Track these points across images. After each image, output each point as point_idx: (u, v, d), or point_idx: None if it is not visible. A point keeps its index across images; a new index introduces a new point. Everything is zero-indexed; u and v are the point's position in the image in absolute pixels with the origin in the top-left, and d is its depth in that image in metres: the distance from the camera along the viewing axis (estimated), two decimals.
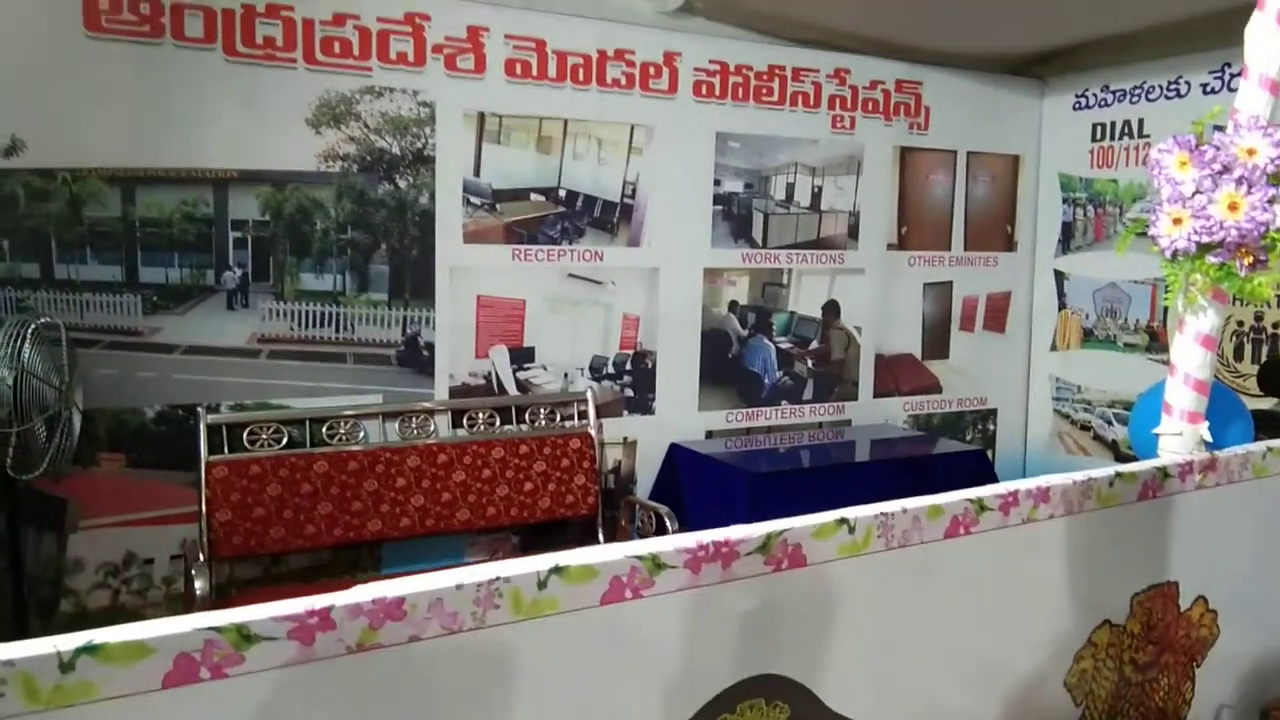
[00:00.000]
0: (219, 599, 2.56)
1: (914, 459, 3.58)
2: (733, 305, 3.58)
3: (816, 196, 3.70)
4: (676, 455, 3.38)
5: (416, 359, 3.02)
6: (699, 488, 3.26)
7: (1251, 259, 1.44)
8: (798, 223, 3.68)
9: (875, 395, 3.93)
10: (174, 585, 2.72)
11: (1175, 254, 1.48)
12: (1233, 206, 1.41)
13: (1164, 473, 1.44)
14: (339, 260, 2.90)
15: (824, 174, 3.69)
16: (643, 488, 3.40)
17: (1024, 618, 1.37)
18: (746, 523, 1.13)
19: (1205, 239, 1.43)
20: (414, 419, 2.96)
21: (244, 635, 0.84)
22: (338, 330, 2.91)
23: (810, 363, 3.78)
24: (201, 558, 2.57)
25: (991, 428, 4.24)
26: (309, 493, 2.71)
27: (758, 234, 3.60)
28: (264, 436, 2.74)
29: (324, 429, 2.83)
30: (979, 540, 1.28)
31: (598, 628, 1.00)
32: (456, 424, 3.04)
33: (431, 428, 2.99)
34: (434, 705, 0.94)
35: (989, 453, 4.13)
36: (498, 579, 0.94)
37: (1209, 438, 1.51)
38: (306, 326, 2.87)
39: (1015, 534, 1.31)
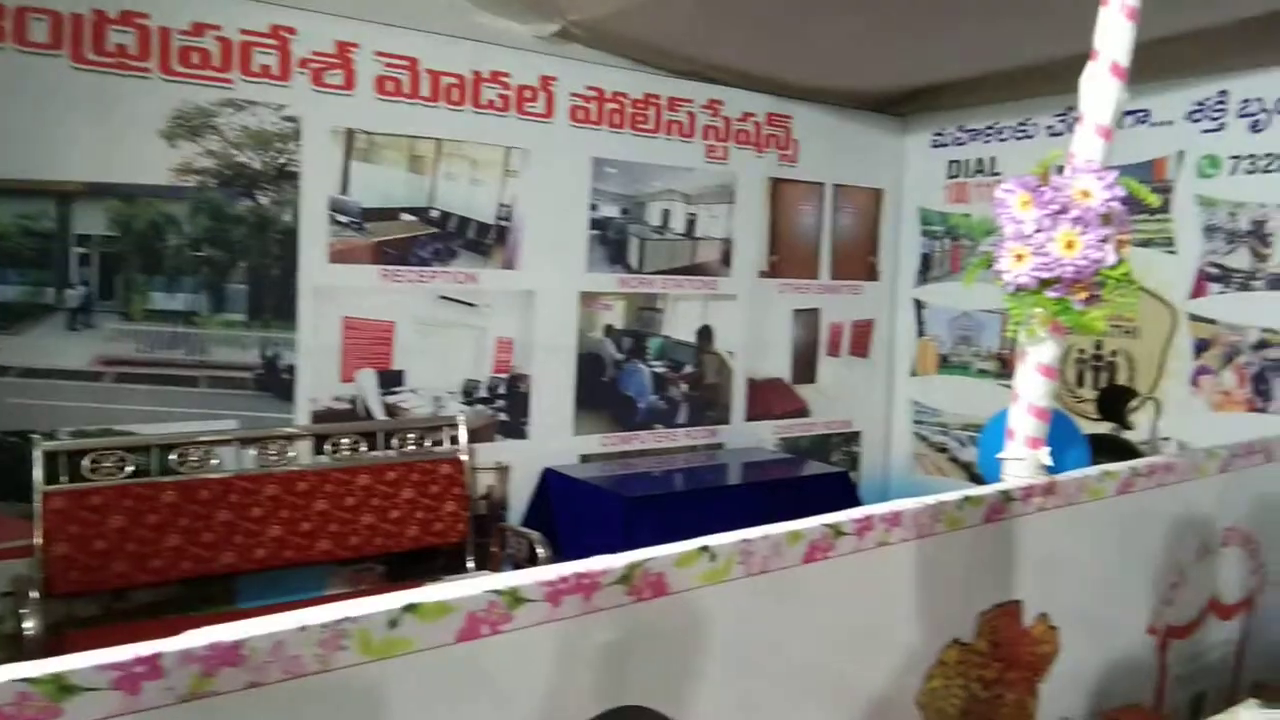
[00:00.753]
0: (53, 638, 2.39)
1: (783, 481, 3.66)
2: (608, 329, 3.59)
3: (691, 224, 3.76)
4: (550, 480, 3.35)
5: (276, 382, 2.90)
6: (573, 513, 3.24)
7: (1087, 294, 1.53)
8: (673, 249, 3.73)
9: (747, 419, 4.01)
10: (3, 625, 2.51)
11: (1018, 288, 1.56)
12: (1069, 245, 1.50)
13: (1007, 496, 1.51)
14: (193, 279, 2.76)
15: (699, 202, 3.76)
16: (515, 514, 3.36)
17: (879, 638, 1.41)
18: (621, 547, 1.13)
19: (1044, 275, 1.52)
20: (272, 445, 2.83)
21: (62, 687, 0.78)
22: (190, 352, 2.77)
23: (684, 387, 3.82)
24: (34, 595, 2.38)
25: (856, 449, 4.39)
26: (155, 524, 2.56)
27: (633, 259, 3.62)
28: (107, 465, 2.57)
29: (173, 456, 2.68)
30: (836, 564, 1.31)
31: (454, 666, 0.97)
32: (319, 450, 2.93)
33: (292, 454, 2.87)
34: None
35: (853, 474, 4.26)
36: (344, 619, 0.90)
37: (1049, 462, 1.60)
38: (156, 348, 2.72)
39: (870, 557, 1.34)
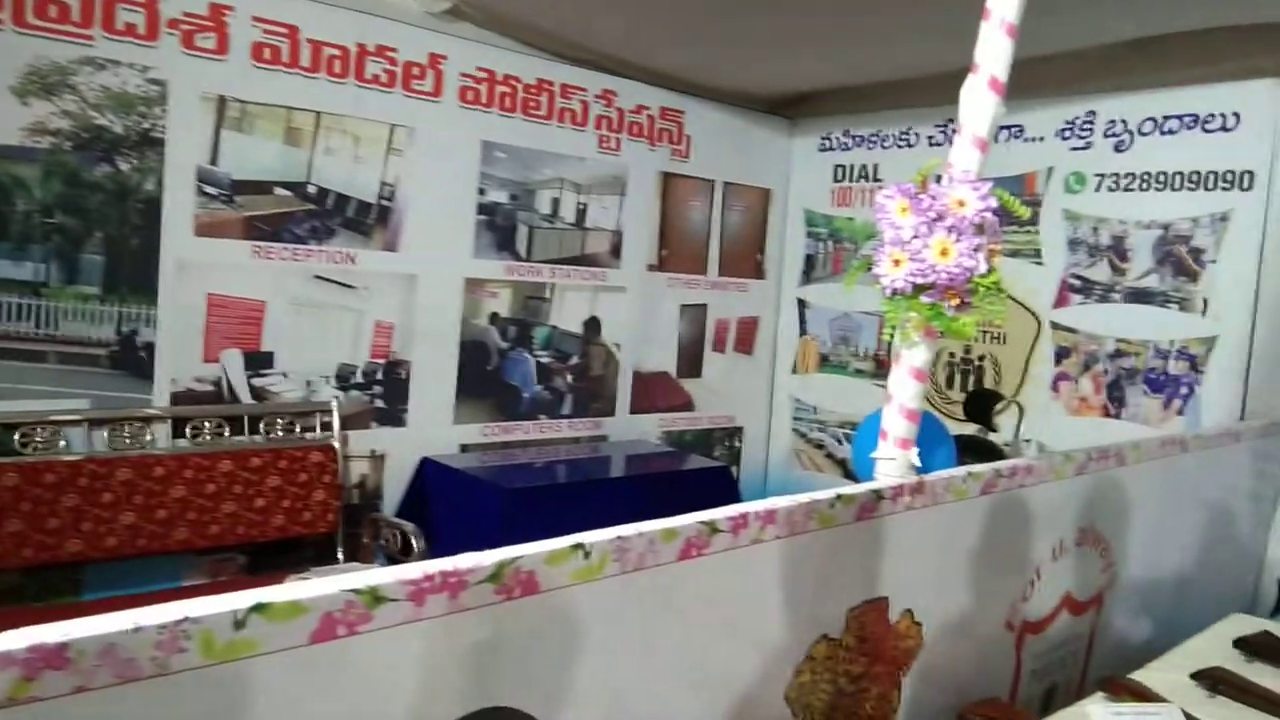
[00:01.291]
0: None
1: (665, 475, 3.68)
2: (493, 317, 3.53)
3: (581, 214, 3.73)
4: (427, 470, 3.27)
5: (133, 360, 2.72)
6: (450, 504, 3.17)
7: (958, 300, 1.57)
8: (562, 239, 3.69)
9: (632, 411, 4.01)
10: None
11: (894, 293, 1.59)
12: (944, 252, 1.54)
13: (878, 495, 1.54)
14: (43, 247, 2.57)
15: (589, 192, 3.73)
16: (390, 504, 3.26)
17: (751, 635, 1.41)
18: (498, 540, 1.09)
19: (920, 280, 1.55)
20: (127, 427, 2.66)
21: None
22: (38, 325, 2.57)
23: (570, 378, 3.79)
24: None
25: (738, 444, 4.45)
26: None
27: (521, 247, 3.57)
28: None
29: (16, 436, 2.49)
30: (711, 561, 1.31)
31: (306, 668, 0.92)
32: (178, 434, 2.77)
33: (148, 437, 2.70)
34: None
35: (734, 469, 4.32)
36: (185, 620, 0.83)
37: (918, 463, 1.64)
38: (0, 320, 2.52)
39: (744, 554, 1.34)
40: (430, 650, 1.03)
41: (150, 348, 2.75)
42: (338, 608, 0.92)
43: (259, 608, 0.87)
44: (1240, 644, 2.04)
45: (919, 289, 1.56)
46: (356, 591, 0.94)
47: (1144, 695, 1.78)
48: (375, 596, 0.95)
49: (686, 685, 1.34)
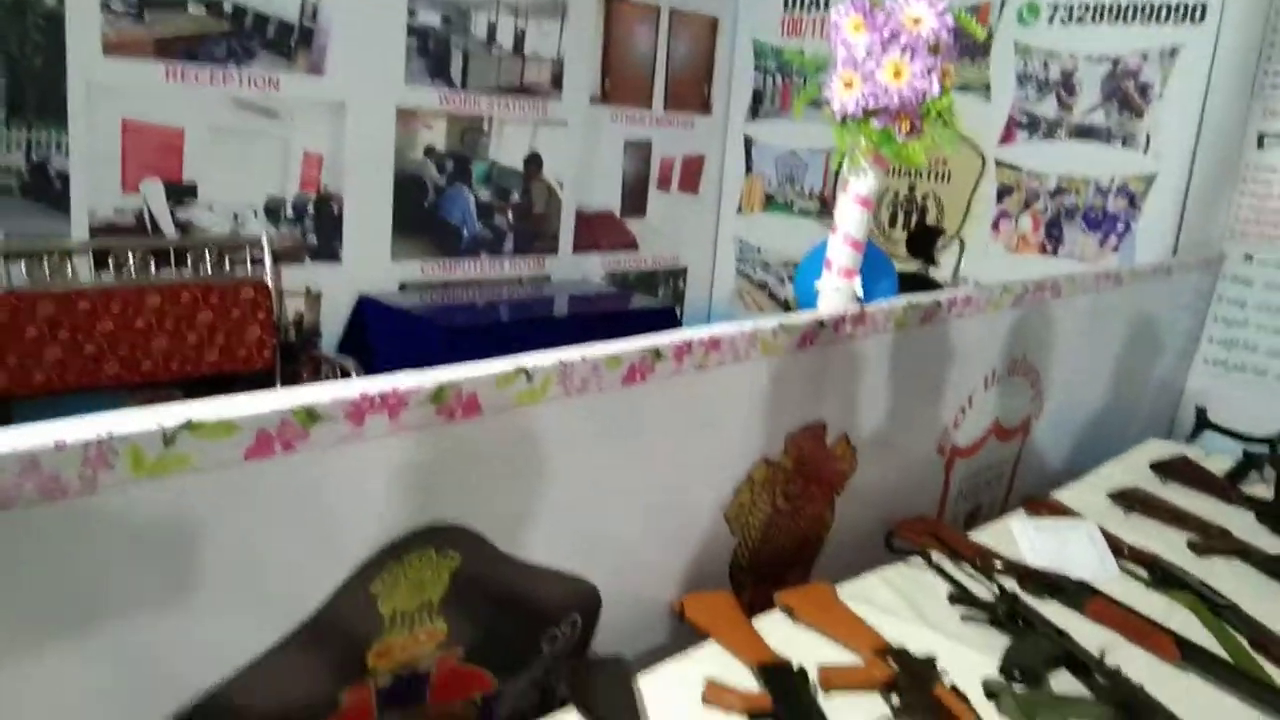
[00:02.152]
0: None
1: (609, 315, 3.67)
2: (429, 150, 3.39)
3: (520, 39, 3.54)
4: (365, 308, 3.21)
5: (47, 190, 2.57)
6: (390, 343, 3.13)
7: (909, 126, 1.54)
8: (500, 66, 3.52)
9: (575, 251, 3.95)
10: None
11: (844, 117, 1.55)
12: (897, 73, 1.49)
13: (820, 324, 1.55)
14: None
15: (528, 15, 3.53)
16: (329, 343, 3.21)
17: (693, 458, 1.44)
18: None
19: (871, 104, 1.51)
20: (46, 260, 2.54)
21: None
22: None
23: (511, 216, 3.70)
24: None
25: (682, 286, 4.44)
26: None
27: (456, 75, 3.39)
28: None
29: None
30: (655, 387, 1.31)
31: (240, 486, 0.90)
32: (101, 267, 2.66)
33: (69, 271, 2.59)
34: (29, 586, 0.81)
35: (678, 309, 4.33)
36: (112, 436, 0.81)
37: (860, 293, 1.65)
38: None
39: (688, 380, 1.35)
40: (368, 470, 1.02)
41: (64, 177, 2.59)
42: (273, 426, 0.90)
43: (190, 425, 0.85)
44: (1157, 467, 2.15)
45: (869, 113, 1.53)
46: (291, 410, 0.91)
47: (1063, 513, 1.88)
48: (311, 415, 0.93)
49: (629, 506, 1.37)
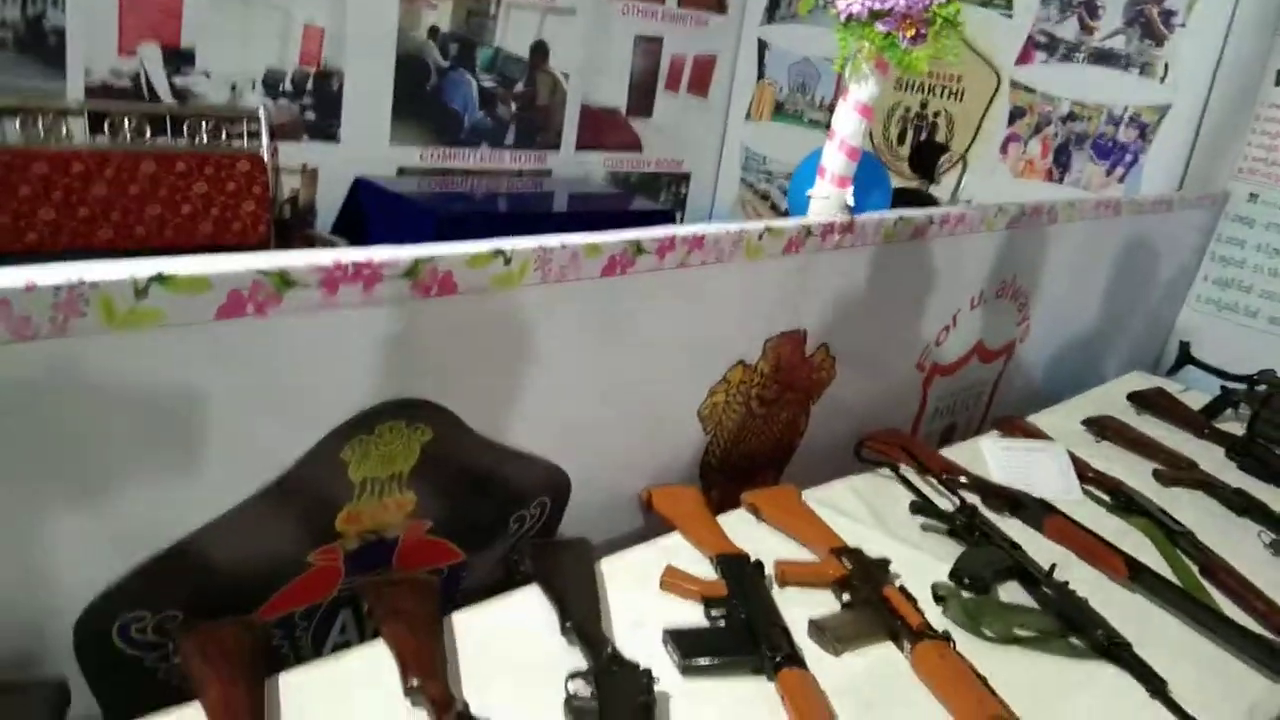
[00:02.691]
0: None
1: (607, 215, 3.64)
2: (433, 31, 3.31)
3: None
4: (361, 190, 3.18)
5: (42, 47, 2.52)
6: (384, 227, 3.12)
7: (914, 31, 1.50)
8: None
9: (578, 148, 3.89)
10: None
11: (849, 18, 1.51)
12: None
13: (808, 231, 1.54)
14: None
15: None
16: (324, 222, 3.20)
17: (670, 355, 1.45)
18: None
19: (877, 6, 1.47)
20: (41, 119, 2.51)
21: None
22: None
23: (514, 106, 3.64)
24: None
25: (684, 191, 4.39)
26: None
27: None
28: None
29: None
30: (636, 281, 1.31)
31: (210, 345, 0.92)
32: (96, 130, 2.62)
33: (64, 131, 2.56)
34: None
35: (678, 215, 4.30)
36: (83, 283, 0.82)
37: (851, 202, 1.63)
38: None
39: (669, 277, 1.35)
40: (340, 339, 1.03)
41: (60, 33, 2.54)
42: (244, 286, 0.91)
43: (161, 278, 0.86)
44: (1133, 397, 2.18)
45: (875, 15, 1.49)
46: (264, 272, 0.92)
47: (1035, 435, 1.91)
48: (284, 279, 0.94)
49: (604, 396, 1.39)
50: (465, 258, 1.11)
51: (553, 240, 1.20)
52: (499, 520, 1.33)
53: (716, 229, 1.39)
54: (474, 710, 0.97)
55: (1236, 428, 2.08)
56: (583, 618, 1.13)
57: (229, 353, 0.94)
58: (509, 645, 1.12)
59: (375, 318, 1.04)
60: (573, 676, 1.03)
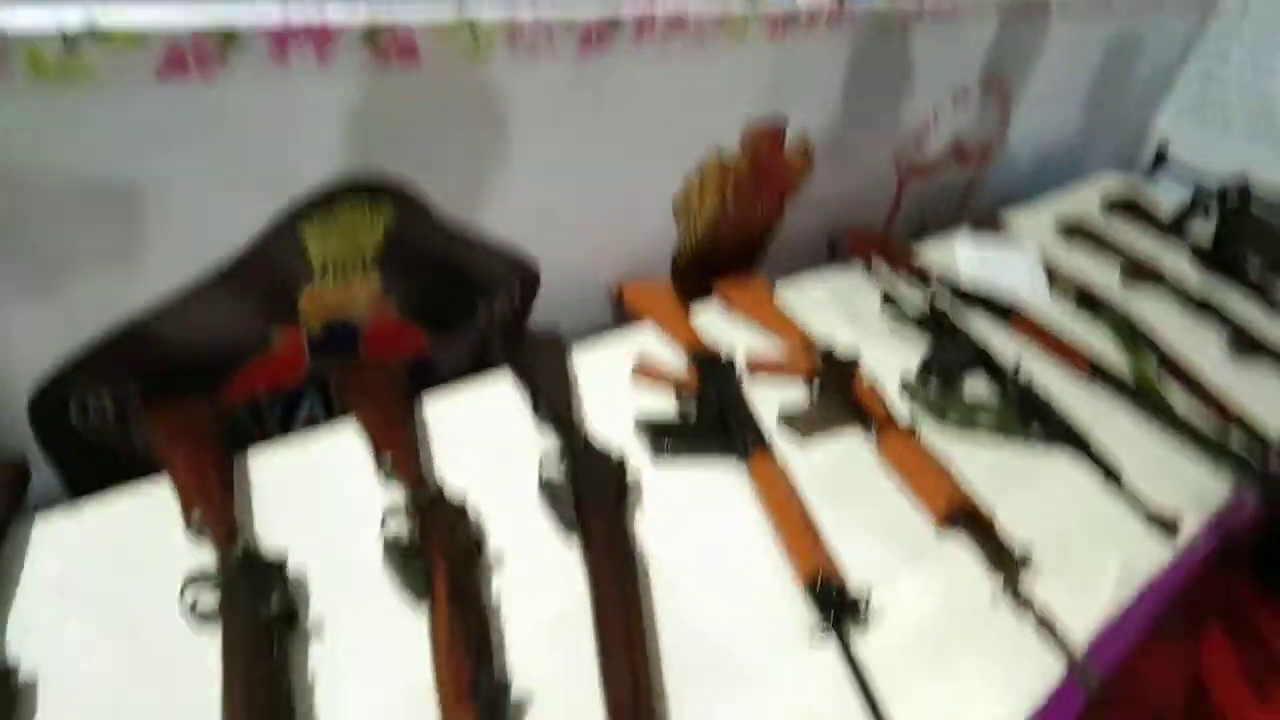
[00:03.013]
0: None
1: None
2: None
3: None
4: None
5: None
6: None
7: None
8: None
9: None
10: None
11: None
12: None
13: (795, 15, 1.45)
14: None
15: None
16: None
17: (645, 142, 1.39)
18: None
19: None
20: None
21: None
22: None
23: None
24: None
25: None
26: None
27: None
28: None
29: None
30: (611, 61, 1.24)
31: (153, 105, 0.85)
32: None
33: None
34: None
35: None
36: (5, 36, 0.74)
37: None
38: None
39: (647, 58, 1.27)
40: (293, 106, 0.96)
41: None
42: (185, 42, 0.83)
43: (94, 33, 0.78)
44: (1106, 201, 2.16)
45: None
46: (206, 29, 0.84)
47: (1006, 231, 1.90)
48: (228, 37, 0.86)
49: (575, 184, 1.34)
50: (428, 25, 1.02)
51: (524, 10, 1.11)
52: (467, 303, 1.31)
53: (699, 9, 1.30)
54: (448, 487, 0.97)
55: (1206, 232, 2.08)
56: (555, 402, 1.13)
57: (174, 122, 0.88)
58: (481, 429, 1.13)
59: (331, 87, 0.97)
60: (547, 458, 1.04)
